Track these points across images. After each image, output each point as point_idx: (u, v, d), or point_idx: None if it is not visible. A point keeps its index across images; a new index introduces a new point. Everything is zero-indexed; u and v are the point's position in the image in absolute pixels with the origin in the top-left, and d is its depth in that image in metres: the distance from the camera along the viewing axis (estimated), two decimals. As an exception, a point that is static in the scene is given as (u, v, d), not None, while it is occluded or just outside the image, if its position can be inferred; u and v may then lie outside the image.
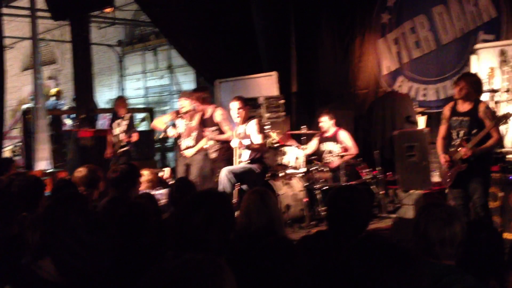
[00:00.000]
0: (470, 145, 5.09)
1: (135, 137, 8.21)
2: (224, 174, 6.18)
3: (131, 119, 8.34)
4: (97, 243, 2.38)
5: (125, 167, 4.34)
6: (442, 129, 5.52)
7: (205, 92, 6.82)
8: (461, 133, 5.26)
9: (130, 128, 8.20)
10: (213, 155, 6.75)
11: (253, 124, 6.23)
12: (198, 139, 6.95)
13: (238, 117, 6.32)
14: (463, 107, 5.30)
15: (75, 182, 4.26)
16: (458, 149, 5.21)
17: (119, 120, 8.38)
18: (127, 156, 8.15)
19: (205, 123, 6.74)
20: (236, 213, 3.33)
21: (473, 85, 5.28)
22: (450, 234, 2.31)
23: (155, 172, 5.62)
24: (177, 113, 7.11)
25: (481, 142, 5.10)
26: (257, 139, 6.15)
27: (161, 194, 5.12)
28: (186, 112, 6.99)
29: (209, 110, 6.72)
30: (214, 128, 6.65)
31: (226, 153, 6.74)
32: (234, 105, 6.38)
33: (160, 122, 7.42)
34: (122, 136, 8.16)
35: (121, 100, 8.88)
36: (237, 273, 2.73)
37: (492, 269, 2.48)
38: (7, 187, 3.94)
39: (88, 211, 3.00)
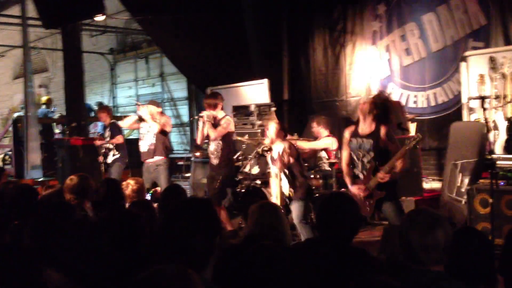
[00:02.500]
0: (388, 168, 4.84)
1: (120, 139, 8.22)
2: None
3: (113, 126, 8.33)
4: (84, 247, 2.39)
5: (103, 187, 4.23)
6: (346, 155, 5.22)
7: (213, 98, 6.85)
8: (360, 154, 5.06)
9: (114, 134, 8.21)
10: (215, 161, 6.73)
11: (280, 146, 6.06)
12: (157, 144, 7.13)
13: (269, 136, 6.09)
14: (363, 129, 5.07)
15: (66, 191, 4.24)
16: (372, 176, 4.98)
17: (107, 129, 8.37)
18: (119, 162, 8.16)
19: (212, 126, 6.78)
20: None
21: (378, 108, 5.01)
22: (432, 240, 2.29)
23: (142, 182, 5.56)
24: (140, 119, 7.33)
25: (383, 156, 4.94)
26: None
27: None
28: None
29: (219, 115, 6.76)
30: None
31: (227, 159, 6.75)
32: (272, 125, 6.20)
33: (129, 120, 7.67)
34: (107, 144, 8.20)
35: (102, 110, 8.82)
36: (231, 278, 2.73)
37: (482, 275, 2.49)
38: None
39: (76, 218, 3.00)
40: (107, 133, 8.31)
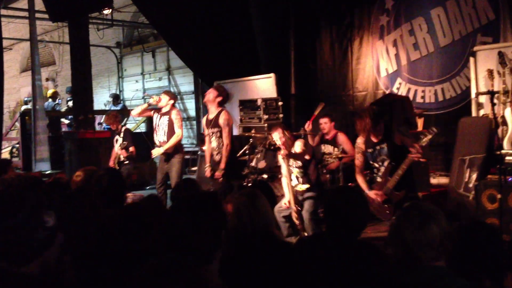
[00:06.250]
0: (405, 166, 4.91)
1: (132, 151, 8.20)
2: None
3: (126, 133, 8.27)
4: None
5: (106, 177, 4.19)
6: (359, 163, 5.32)
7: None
8: (380, 162, 5.15)
9: (127, 142, 8.14)
10: (218, 157, 6.71)
11: (298, 144, 6.01)
12: (169, 135, 6.93)
13: (282, 144, 6.00)
14: (375, 138, 5.18)
15: (73, 187, 4.23)
16: (389, 178, 5.05)
17: (117, 136, 8.29)
18: (129, 165, 8.15)
19: (210, 123, 6.71)
20: None
21: (374, 119, 5.10)
22: (426, 236, 2.23)
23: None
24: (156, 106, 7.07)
25: (400, 155, 4.99)
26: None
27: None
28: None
29: (216, 111, 6.69)
30: (216, 129, 6.63)
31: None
32: (276, 135, 6.11)
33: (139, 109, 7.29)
34: (120, 152, 8.12)
35: (110, 116, 8.57)
36: (234, 272, 2.73)
37: (488, 270, 2.46)
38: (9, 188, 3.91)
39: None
40: (121, 140, 8.22)
